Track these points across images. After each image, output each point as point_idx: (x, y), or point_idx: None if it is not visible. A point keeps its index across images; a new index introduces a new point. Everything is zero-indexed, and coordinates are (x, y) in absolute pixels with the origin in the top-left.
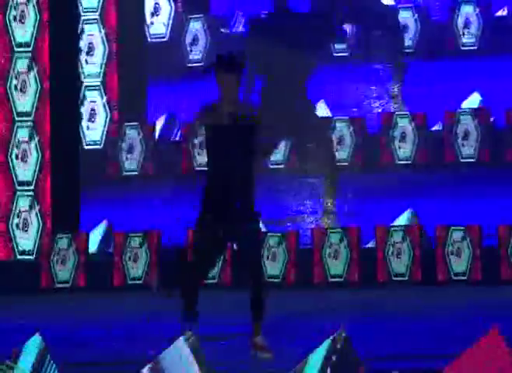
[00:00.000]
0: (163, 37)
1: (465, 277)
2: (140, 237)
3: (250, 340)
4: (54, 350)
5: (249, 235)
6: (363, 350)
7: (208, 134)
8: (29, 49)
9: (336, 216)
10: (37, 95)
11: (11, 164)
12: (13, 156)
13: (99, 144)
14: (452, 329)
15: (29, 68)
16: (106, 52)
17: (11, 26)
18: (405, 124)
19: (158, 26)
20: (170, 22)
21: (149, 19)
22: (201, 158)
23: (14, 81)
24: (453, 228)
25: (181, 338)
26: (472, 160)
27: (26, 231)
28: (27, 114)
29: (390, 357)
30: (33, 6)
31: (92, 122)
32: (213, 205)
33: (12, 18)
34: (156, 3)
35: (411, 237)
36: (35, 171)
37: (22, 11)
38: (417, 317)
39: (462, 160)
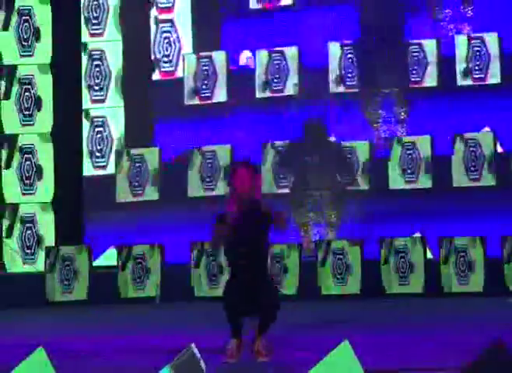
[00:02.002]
0: (172, 74)
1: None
2: (144, 251)
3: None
4: (57, 363)
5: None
6: None
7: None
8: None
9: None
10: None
11: (16, 179)
12: (17, 172)
13: (107, 171)
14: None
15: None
16: (113, 85)
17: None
18: None
19: (166, 63)
20: (179, 59)
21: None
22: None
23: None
24: None
25: (184, 352)
26: None
27: (31, 245)
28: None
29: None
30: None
31: (100, 150)
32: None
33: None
34: (166, 40)
35: None
36: (40, 187)
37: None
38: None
39: None
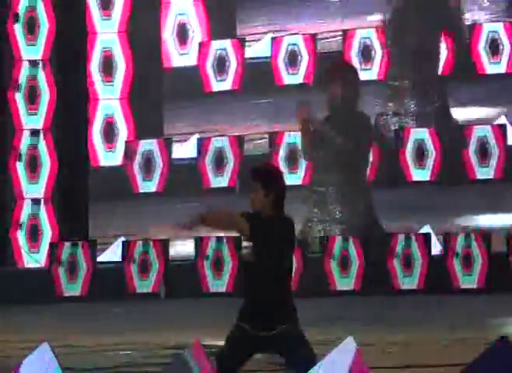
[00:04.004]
0: (187, 61)
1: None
2: (149, 245)
3: None
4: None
5: (295, 338)
6: None
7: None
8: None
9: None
10: (47, 107)
11: (20, 173)
12: (22, 165)
13: (116, 162)
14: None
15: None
16: (124, 72)
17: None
18: None
19: (181, 49)
20: (194, 45)
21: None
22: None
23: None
24: None
25: (186, 350)
26: None
27: (36, 239)
28: (36, 124)
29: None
30: (43, 18)
31: (110, 141)
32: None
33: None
34: (180, 25)
35: None
36: (44, 180)
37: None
38: None
39: None
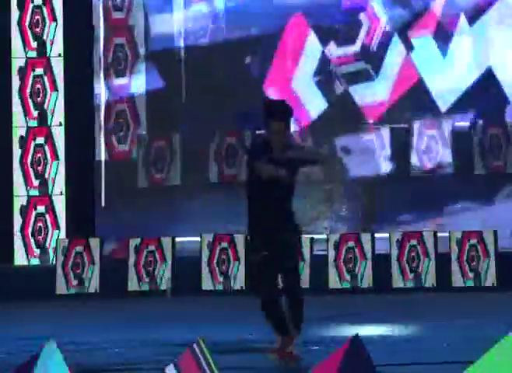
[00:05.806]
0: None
1: None
2: (155, 243)
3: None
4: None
5: (289, 245)
6: None
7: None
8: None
9: None
10: (54, 105)
11: (27, 170)
12: (29, 163)
13: (129, 156)
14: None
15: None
16: (136, 64)
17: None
18: None
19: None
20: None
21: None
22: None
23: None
24: None
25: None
26: None
27: (42, 237)
28: (44, 122)
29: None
30: (50, 11)
31: (121, 133)
32: (259, 228)
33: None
34: (195, 15)
35: None
36: (51, 178)
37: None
38: None
39: None
